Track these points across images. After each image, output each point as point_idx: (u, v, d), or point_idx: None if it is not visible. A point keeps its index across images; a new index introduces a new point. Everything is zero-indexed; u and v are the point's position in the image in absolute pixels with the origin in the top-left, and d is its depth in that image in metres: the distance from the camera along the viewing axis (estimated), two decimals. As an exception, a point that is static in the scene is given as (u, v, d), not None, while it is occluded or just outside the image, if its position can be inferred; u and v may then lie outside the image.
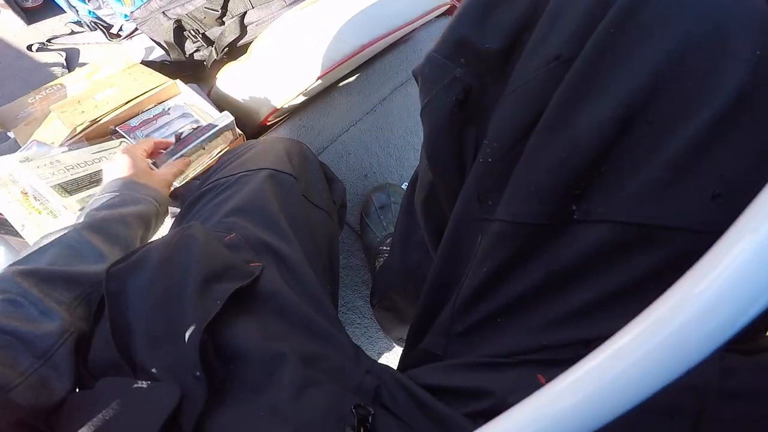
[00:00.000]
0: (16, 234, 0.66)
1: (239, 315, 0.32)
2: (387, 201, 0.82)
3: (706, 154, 0.21)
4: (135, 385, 0.27)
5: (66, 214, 0.60)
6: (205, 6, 0.88)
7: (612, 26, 0.23)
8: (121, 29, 1.32)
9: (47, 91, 0.86)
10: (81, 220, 0.44)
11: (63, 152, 0.65)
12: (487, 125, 0.30)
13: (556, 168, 0.25)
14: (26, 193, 0.63)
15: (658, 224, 0.22)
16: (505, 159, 0.28)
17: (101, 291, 0.33)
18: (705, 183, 0.21)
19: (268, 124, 0.91)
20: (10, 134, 0.82)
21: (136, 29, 1.26)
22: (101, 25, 1.36)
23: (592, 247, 0.24)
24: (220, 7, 0.88)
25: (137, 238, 0.47)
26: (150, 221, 0.50)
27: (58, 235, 0.41)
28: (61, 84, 0.87)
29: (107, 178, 0.52)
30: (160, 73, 0.85)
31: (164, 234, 0.43)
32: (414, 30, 0.99)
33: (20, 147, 0.75)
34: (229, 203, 0.45)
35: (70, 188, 0.62)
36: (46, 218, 0.63)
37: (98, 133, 0.73)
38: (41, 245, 0.40)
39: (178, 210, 0.57)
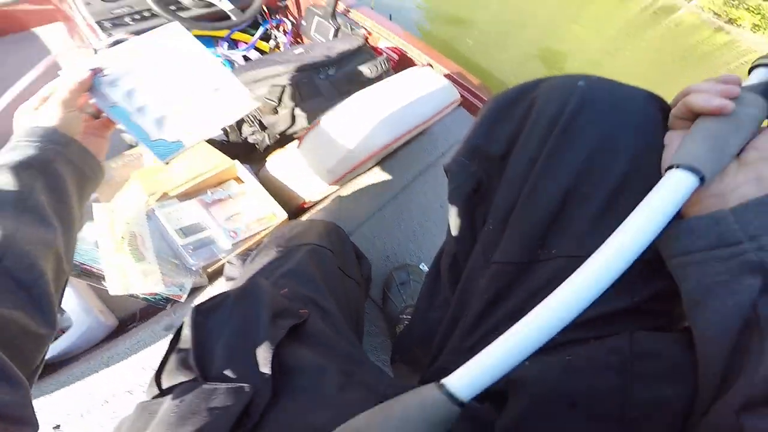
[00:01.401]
0: (98, 283, 0.83)
1: (293, 343, 0.46)
2: (407, 278, 0.97)
3: (607, 211, 0.36)
4: (215, 387, 0.39)
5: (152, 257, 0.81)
6: (266, 96, 1.10)
7: (556, 136, 0.40)
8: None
9: (128, 158, 1.07)
10: None
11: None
12: (491, 205, 0.47)
13: (528, 227, 0.41)
14: (125, 238, 0.82)
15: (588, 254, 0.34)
16: (500, 227, 0.44)
17: None
18: (607, 226, 0.34)
19: (305, 207, 1.09)
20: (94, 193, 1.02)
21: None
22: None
23: (552, 275, 0.38)
24: (277, 99, 1.10)
25: (36, 193, 0.43)
26: (54, 170, 0.45)
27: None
28: (138, 153, 1.08)
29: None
30: (220, 151, 1.06)
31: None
32: (431, 123, 1.19)
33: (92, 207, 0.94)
34: (282, 268, 0.61)
35: (187, 232, 0.86)
36: (131, 263, 0.80)
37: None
38: None
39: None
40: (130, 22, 1.42)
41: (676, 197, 0.30)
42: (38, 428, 0.34)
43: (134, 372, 0.79)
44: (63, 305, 0.84)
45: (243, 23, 1.50)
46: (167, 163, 0.59)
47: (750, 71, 0.37)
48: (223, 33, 1.79)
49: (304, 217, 1.02)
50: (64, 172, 0.47)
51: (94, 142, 0.55)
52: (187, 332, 0.47)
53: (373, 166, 1.15)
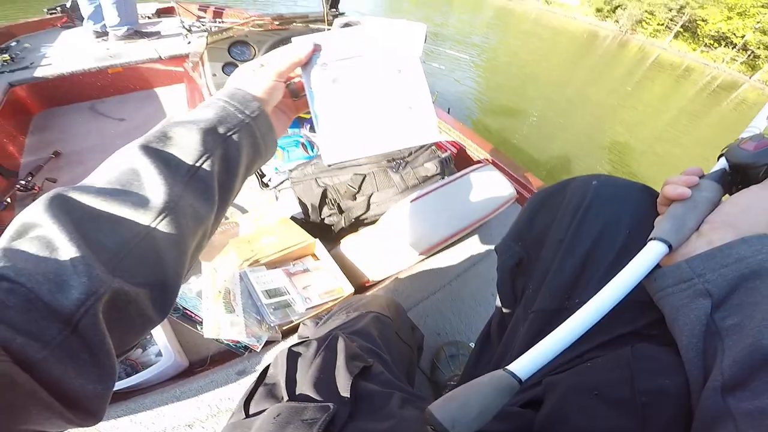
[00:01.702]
0: (193, 326, 1.01)
1: (363, 381, 0.57)
2: (456, 353, 1.07)
3: (611, 271, 0.47)
4: (305, 405, 0.51)
5: (240, 311, 0.96)
6: (349, 183, 1.30)
7: (576, 224, 0.55)
8: (270, 180, 1.83)
9: (226, 226, 1.30)
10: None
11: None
12: (530, 275, 0.61)
13: (558, 286, 0.54)
14: (221, 292, 0.99)
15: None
16: (537, 290, 0.58)
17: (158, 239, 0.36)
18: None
19: (368, 285, 1.24)
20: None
21: (282, 182, 1.77)
22: (257, 172, 1.89)
23: None
24: (357, 186, 1.30)
25: (200, 142, 0.41)
26: (212, 125, 0.43)
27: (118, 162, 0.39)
28: (236, 222, 1.30)
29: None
30: (303, 229, 1.26)
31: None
32: (488, 219, 1.33)
33: (200, 266, 1.14)
34: (351, 329, 0.74)
35: (271, 294, 1.02)
36: (223, 313, 0.97)
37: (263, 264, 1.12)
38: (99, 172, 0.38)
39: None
40: None
41: (651, 259, 0.44)
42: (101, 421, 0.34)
43: (200, 408, 0.91)
44: (155, 338, 1.02)
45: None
46: (329, 166, 0.61)
47: (718, 158, 0.52)
48: (308, 115, 2.08)
49: (367, 293, 1.17)
50: (245, 144, 0.46)
51: (280, 119, 0.56)
52: (273, 370, 0.62)
53: (431, 255, 1.29)
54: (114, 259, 0.33)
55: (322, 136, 0.56)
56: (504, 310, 0.68)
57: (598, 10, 34.08)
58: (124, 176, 0.37)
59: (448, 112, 1.97)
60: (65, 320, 0.29)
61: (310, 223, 1.39)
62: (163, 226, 0.37)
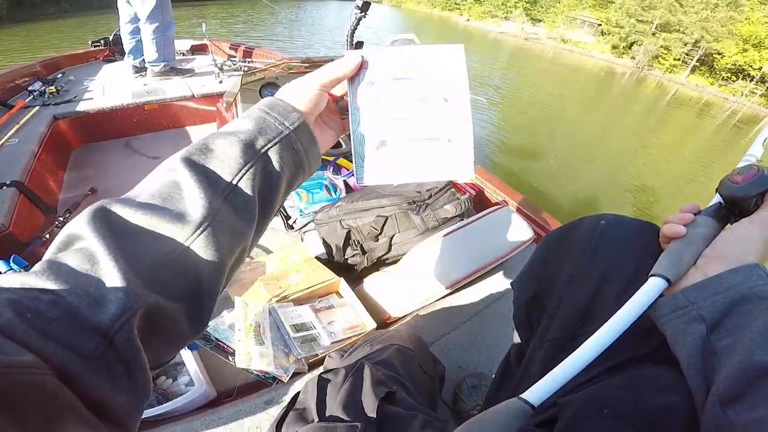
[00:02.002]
0: (225, 357, 1.08)
1: (388, 405, 0.63)
2: (479, 384, 1.12)
3: (618, 302, 0.52)
4: (335, 425, 0.58)
5: (269, 343, 1.04)
6: (371, 225, 1.39)
7: (585, 262, 0.62)
8: (295, 221, 1.92)
9: (253, 265, 1.38)
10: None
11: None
12: (544, 308, 0.67)
13: (571, 317, 0.60)
14: (252, 326, 1.07)
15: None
16: (552, 321, 0.63)
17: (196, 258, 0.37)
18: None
19: (389, 321, 1.30)
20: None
21: (307, 224, 1.85)
22: (283, 214, 1.98)
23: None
24: (380, 228, 1.38)
25: (240, 156, 0.41)
26: (253, 137, 0.43)
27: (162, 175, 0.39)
28: (263, 261, 1.39)
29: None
30: (327, 268, 1.34)
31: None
32: (506, 259, 1.39)
33: (232, 301, 1.22)
34: (375, 359, 0.80)
35: (298, 329, 1.10)
36: (253, 345, 1.05)
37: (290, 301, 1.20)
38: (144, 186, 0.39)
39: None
40: None
41: (651, 293, 0.49)
42: None
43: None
44: (187, 368, 1.09)
45: (350, 150, 1.84)
46: (362, 187, 0.63)
47: (716, 192, 0.56)
48: (331, 158, 2.17)
49: (390, 328, 1.23)
50: (286, 156, 0.45)
51: (325, 132, 0.55)
52: (303, 396, 0.69)
53: (451, 293, 1.35)
54: (151, 273, 0.34)
55: (359, 157, 0.55)
56: (521, 341, 0.74)
57: (614, 47, 34.55)
58: (165, 189, 0.38)
59: None
60: (102, 334, 0.30)
61: (333, 262, 1.48)
62: (201, 241, 0.37)
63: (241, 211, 0.41)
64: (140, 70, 3.03)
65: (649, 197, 6.81)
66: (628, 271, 0.58)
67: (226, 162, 0.40)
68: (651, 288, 0.49)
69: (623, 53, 34.29)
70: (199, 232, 0.37)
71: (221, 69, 2.93)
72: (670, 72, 31.51)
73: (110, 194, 2.12)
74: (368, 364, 0.73)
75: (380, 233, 1.37)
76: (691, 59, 30.70)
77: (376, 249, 1.37)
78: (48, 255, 0.33)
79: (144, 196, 0.37)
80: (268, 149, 0.43)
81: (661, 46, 31.33)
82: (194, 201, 0.37)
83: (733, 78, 29.50)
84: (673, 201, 6.85)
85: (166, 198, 0.37)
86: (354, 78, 0.54)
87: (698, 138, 13.73)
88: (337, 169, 2.22)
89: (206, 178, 0.39)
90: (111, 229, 0.34)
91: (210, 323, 1.12)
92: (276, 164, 0.44)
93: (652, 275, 0.51)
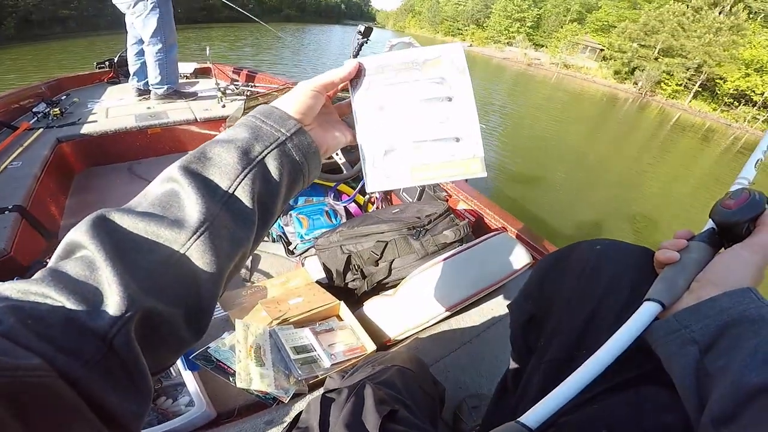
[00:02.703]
0: (225, 377, 1.12)
1: (391, 424, 0.65)
2: (479, 404, 1.15)
3: (615, 324, 0.52)
4: None
5: (269, 365, 1.07)
6: (372, 250, 1.44)
7: (581, 286, 0.64)
8: (296, 247, 1.97)
9: (254, 288, 1.43)
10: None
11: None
12: (540, 330, 0.69)
13: (568, 339, 0.62)
14: (252, 347, 1.11)
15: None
16: (549, 342, 0.65)
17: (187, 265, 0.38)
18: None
19: (389, 344, 1.34)
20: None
21: (308, 250, 1.90)
22: (284, 239, 2.03)
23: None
24: (380, 252, 1.43)
25: (238, 169, 0.42)
26: (249, 145, 0.44)
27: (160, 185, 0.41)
28: (264, 286, 1.44)
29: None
30: (328, 292, 1.39)
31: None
32: (504, 283, 1.43)
33: (233, 324, 1.27)
34: (377, 380, 0.84)
35: (298, 351, 1.13)
36: (254, 366, 1.08)
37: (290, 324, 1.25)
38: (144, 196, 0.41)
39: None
40: None
41: (645, 317, 0.51)
42: None
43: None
44: (187, 388, 1.12)
45: (352, 176, 1.87)
46: (369, 194, 0.62)
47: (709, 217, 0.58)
48: (331, 184, 2.22)
49: (391, 350, 1.27)
50: (284, 162, 0.46)
51: (332, 135, 0.56)
52: (306, 415, 0.72)
53: (452, 315, 1.39)
54: (149, 279, 0.35)
55: (368, 164, 0.56)
56: (518, 362, 0.77)
57: (617, 72, 35.12)
58: (164, 198, 0.39)
59: (466, 182, 2.09)
60: (101, 338, 0.31)
61: (334, 287, 1.52)
62: (198, 246, 0.38)
63: (240, 218, 0.42)
64: (144, 92, 3.13)
65: (650, 224, 6.84)
66: (624, 295, 0.60)
67: (224, 169, 0.42)
68: (645, 312, 0.51)
69: (625, 78, 34.81)
70: (195, 237, 0.38)
71: (224, 93, 3.02)
72: (672, 98, 31.89)
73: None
74: (370, 384, 0.76)
75: (380, 258, 1.42)
76: (694, 84, 31.09)
77: (376, 273, 1.42)
78: (50, 263, 0.35)
79: (144, 205, 0.39)
80: (265, 156, 0.45)
81: (664, 71, 31.78)
82: (192, 208, 0.39)
83: (736, 103, 29.77)
84: (675, 227, 6.82)
85: (165, 206, 0.39)
86: (356, 86, 0.55)
87: (702, 164, 13.81)
88: (338, 195, 2.28)
89: (204, 185, 0.40)
90: (110, 236, 0.35)
91: (211, 344, 1.16)
92: (274, 171, 0.45)
93: (646, 299, 0.52)
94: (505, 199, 6.33)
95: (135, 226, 0.36)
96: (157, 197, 0.40)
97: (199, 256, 0.38)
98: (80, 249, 0.35)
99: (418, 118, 0.56)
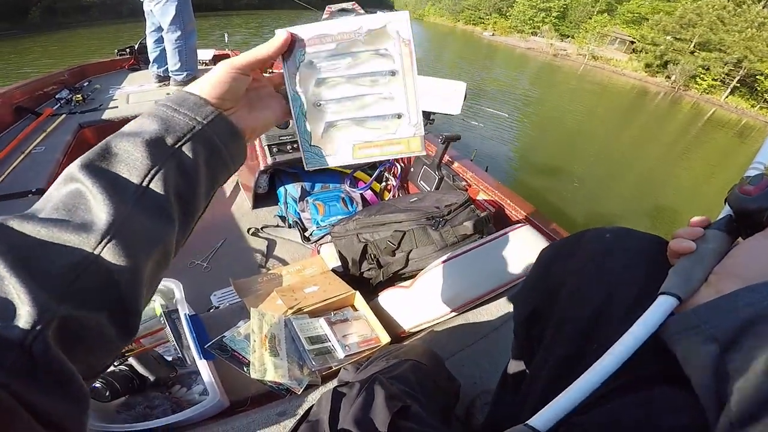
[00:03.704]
0: (240, 367, 1.12)
1: (402, 420, 0.65)
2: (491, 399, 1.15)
3: (628, 317, 0.52)
4: None
5: (284, 355, 1.08)
6: (389, 239, 1.43)
7: (588, 277, 0.62)
8: (311, 234, 1.98)
9: (269, 276, 1.44)
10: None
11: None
12: (546, 324, 0.67)
13: (576, 333, 0.60)
14: (267, 337, 1.12)
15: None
16: (556, 336, 0.64)
17: (106, 266, 0.36)
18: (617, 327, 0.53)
19: (404, 335, 1.34)
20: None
21: (324, 237, 1.90)
22: (300, 225, 2.04)
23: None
24: (397, 243, 1.42)
25: (145, 161, 0.40)
26: (159, 136, 0.42)
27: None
28: (280, 273, 1.44)
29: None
30: (343, 281, 1.38)
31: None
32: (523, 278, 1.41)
33: (249, 312, 1.27)
34: (390, 374, 0.83)
35: (313, 341, 1.15)
36: (268, 357, 1.09)
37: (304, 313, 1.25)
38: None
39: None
40: (290, 150, 1.88)
41: (661, 312, 0.48)
42: None
43: (240, 445, 1.01)
44: (202, 377, 1.13)
45: (368, 163, 1.88)
46: (308, 171, 0.58)
47: (725, 203, 0.54)
48: (348, 171, 2.22)
49: (405, 343, 1.26)
50: (201, 152, 0.44)
51: (259, 117, 0.54)
52: (317, 408, 0.72)
53: (468, 310, 1.38)
54: (61, 286, 0.34)
55: (305, 142, 0.54)
56: (522, 356, 0.75)
57: (648, 65, 34.32)
58: (69, 200, 0.37)
59: (486, 170, 2.07)
60: (19, 346, 0.30)
61: (349, 275, 1.52)
62: (110, 249, 0.36)
63: (155, 214, 0.41)
64: (164, 79, 3.17)
65: (675, 222, 6.71)
66: (636, 287, 0.57)
67: (133, 165, 0.40)
68: (661, 306, 0.49)
69: (657, 72, 34.00)
70: (106, 240, 0.36)
71: (242, 79, 3.03)
72: (707, 93, 31.04)
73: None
74: (382, 379, 0.75)
75: (397, 248, 1.41)
76: (732, 80, 30.18)
77: (393, 264, 1.41)
78: None
79: (47, 209, 0.37)
80: (179, 147, 0.43)
81: (700, 66, 30.93)
82: (99, 209, 0.37)
83: (777, 100, 28.87)
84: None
85: (70, 209, 0.37)
86: (289, 59, 0.52)
87: (735, 161, 13.51)
88: (354, 182, 2.28)
89: (111, 184, 0.38)
90: (10, 246, 0.33)
91: (226, 334, 1.18)
92: (190, 163, 0.43)
93: (661, 293, 0.50)
94: (527, 190, 6.26)
95: (38, 233, 0.35)
96: (60, 200, 0.38)
97: (113, 257, 0.37)
98: None
99: (358, 93, 0.53)
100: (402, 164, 2.34)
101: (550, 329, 0.67)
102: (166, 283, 1.23)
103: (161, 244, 0.42)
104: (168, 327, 1.24)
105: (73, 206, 0.37)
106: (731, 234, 0.52)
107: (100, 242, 0.36)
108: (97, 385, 0.90)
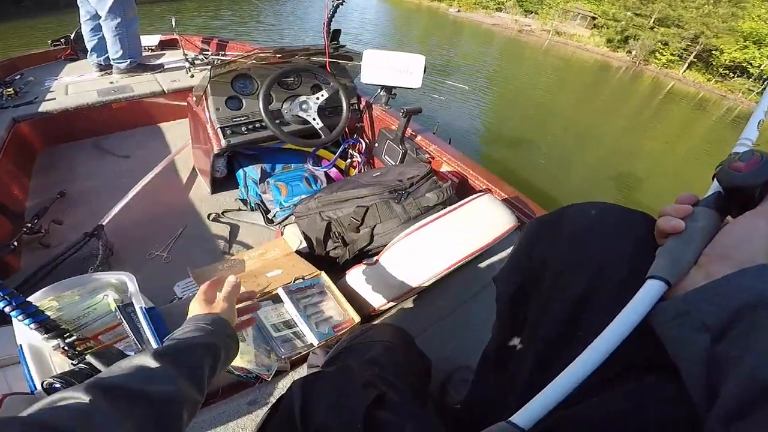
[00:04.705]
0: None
1: (378, 410, 0.63)
2: (468, 377, 1.14)
3: (616, 300, 0.49)
4: None
5: (250, 341, 1.06)
6: (352, 216, 1.41)
7: (574, 252, 0.60)
8: (275, 216, 1.94)
9: (231, 262, 1.40)
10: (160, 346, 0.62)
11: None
12: (530, 304, 0.65)
13: (562, 315, 0.57)
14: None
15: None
16: (541, 318, 0.62)
17: (170, 412, 0.52)
18: (616, 313, 0.48)
19: (374, 313, 1.33)
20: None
21: (287, 218, 1.87)
22: (262, 207, 2.00)
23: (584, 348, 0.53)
24: (360, 218, 1.40)
25: (204, 366, 0.63)
26: (216, 351, 0.67)
27: (137, 360, 0.56)
28: (242, 258, 1.41)
29: (191, 313, 0.74)
30: (309, 262, 1.36)
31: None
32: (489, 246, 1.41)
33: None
34: (363, 357, 0.83)
35: (279, 328, 1.13)
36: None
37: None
38: (120, 365, 0.55)
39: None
40: (245, 131, 1.84)
41: (648, 298, 0.47)
42: None
43: (211, 438, 0.98)
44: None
45: (330, 140, 1.87)
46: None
47: (713, 179, 0.53)
48: (310, 149, 2.19)
49: (375, 322, 1.26)
50: (222, 354, 0.68)
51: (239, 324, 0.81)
52: (288, 400, 0.68)
53: (436, 282, 1.38)
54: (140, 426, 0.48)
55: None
56: (505, 337, 0.72)
57: (609, 41, 35.01)
58: (145, 370, 0.55)
59: (449, 143, 2.08)
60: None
61: (315, 256, 1.50)
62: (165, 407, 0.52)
63: (195, 389, 0.60)
64: (105, 68, 3.03)
65: (641, 189, 6.95)
66: (622, 269, 0.55)
67: (194, 358, 0.63)
68: (648, 292, 0.47)
69: (618, 47, 34.73)
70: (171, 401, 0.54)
71: (193, 63, 2.93)
72: (666, 68, 31.94)
73: (82, 196, 2.13)
74: (354, 365, 0.74)
75: (361, 224, 1.40)
76: (689, 55, 31.12)
77: (358, 240, 1.40)
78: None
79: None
80: (213, 351, 0.66)
81: (659, 41, 31.75)
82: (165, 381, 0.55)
83: (731, 75, 29.90)
84: (667, 193, 7.02)
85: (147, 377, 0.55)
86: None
87: (695, 132, 14.03)
88: (318, 161, 2.25)
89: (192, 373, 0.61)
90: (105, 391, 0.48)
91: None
92: (216, 360, 0.67)
93: (650, 277, 0.48)
94: (491, 162, 6.38)
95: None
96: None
97: (158, 409, 0.52)
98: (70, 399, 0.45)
99: None
100: (366, 140, 2.33)
101: (535, 309, 0.65)
102: (119, 277, 1.17)
103: (192, 402, 0.60)
104: (124, 321, 1.19)
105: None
106: (721, 212, 0.51)
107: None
108: (57, 385, 0.86)
